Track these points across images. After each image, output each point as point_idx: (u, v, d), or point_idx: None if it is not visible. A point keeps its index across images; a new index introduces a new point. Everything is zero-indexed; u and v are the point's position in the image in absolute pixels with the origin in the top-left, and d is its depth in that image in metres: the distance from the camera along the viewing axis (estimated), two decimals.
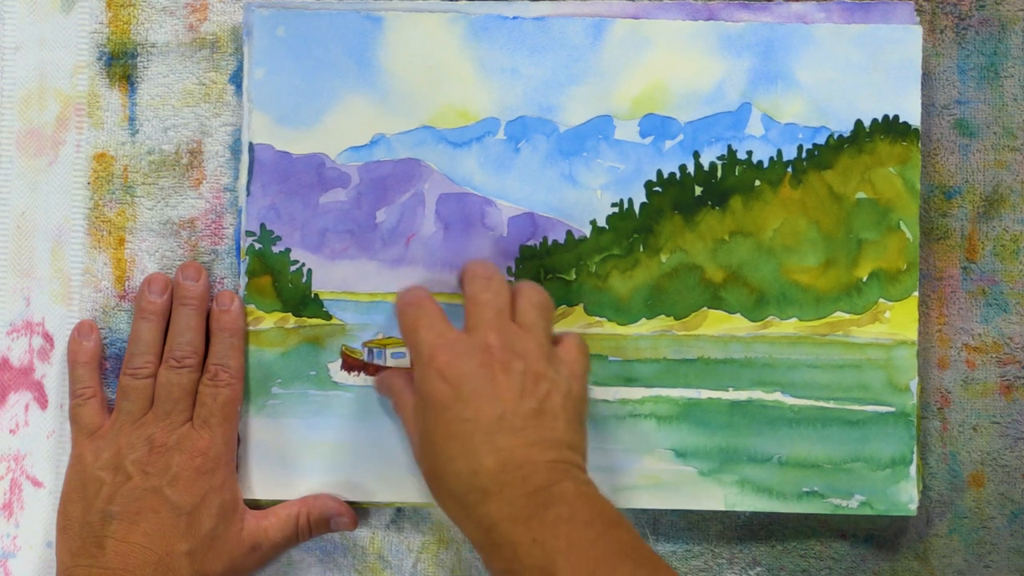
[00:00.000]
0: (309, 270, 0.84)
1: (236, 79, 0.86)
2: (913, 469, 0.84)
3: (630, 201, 0.84)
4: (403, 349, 0.84)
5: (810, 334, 0.84)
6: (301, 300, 0.84)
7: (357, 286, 0.84)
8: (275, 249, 0.84)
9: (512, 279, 0.85)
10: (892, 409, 0.84)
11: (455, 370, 0.75)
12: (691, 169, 0.84)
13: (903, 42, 0.84)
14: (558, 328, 0.84)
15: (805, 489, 0.84)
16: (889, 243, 0.84)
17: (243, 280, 0.84)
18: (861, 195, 0.84)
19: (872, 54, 0.84)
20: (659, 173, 0.84)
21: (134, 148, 0.86)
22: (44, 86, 0.86)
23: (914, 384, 0.84)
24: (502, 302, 0.78)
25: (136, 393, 0.83)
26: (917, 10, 0.85)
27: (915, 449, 0.84)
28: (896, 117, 0.84)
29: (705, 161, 0.84)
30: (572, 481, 0.73)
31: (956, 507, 0.86)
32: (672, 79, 0.84)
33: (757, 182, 0.84)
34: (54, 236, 0.86)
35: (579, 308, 0.85)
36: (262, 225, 0.84)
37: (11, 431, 0.86)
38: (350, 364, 0.84)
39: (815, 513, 0.85)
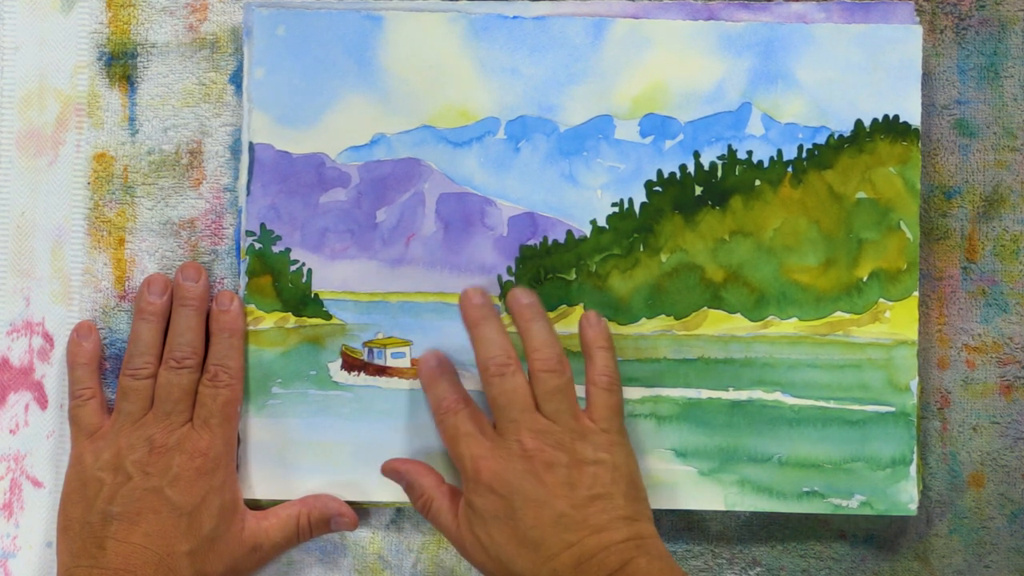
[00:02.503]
0: (309, 270, 0.84)
1: (236, 79, 0.86)
2: (913, 469, 0.84)
3: (630, 201, 0.84)
4: (403, 349, 0.84)
5: (810, 334, 0.84)
6: (301, 300, 0.84)
7: (357, 286, 0.84)
8: (275, 249, 0.84)
9: (513, 279, 0.84)
10: (892, 409, 0.84)
11: (503, 483, 0.77)
12: (691, 169, 0.84)
13: (903, 42, 0.84)
14: (558, 328, 0.84)
15: (805, 489, 0.84)
16: (889, 243, 0.84)
17: (243, 280, 0.84)
18: (861, 195, 0.84)
19: (872, 54, 0.84)
20: (659, 173, 0.84)
21: (134, 148, 0.86)
22: (44, 86, 0.86)
23: (914, 384, 0.84)
24: (523, 398, 0.80)
25: (136, 394, 0.82)
26: (917, 10, 0.85)
27: (915, 449, 0.84)
28: (896, 117, 0.84)
29: (705, 161, 0.84)
30: (644, 557, 0.75)
31: (956, 507, 0.86)
32: (672, 79, 0.84)
33: (757, 182, 0.84)
34: (54, 236, 0.86)
35: (579, 308, 0.85)
36: (262, 225, 0.84)
37: (11, 431, 0.86)
38: (350, 364, 0.84)
39: (815, 513, 0.85)
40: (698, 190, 0.84)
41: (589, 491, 0.77)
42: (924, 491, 0.86)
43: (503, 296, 0.84)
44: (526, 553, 0.76)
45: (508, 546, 0.77)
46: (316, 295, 0.84)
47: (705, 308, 0.85)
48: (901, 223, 0.84)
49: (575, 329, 0.84)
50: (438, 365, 0.83)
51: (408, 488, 0.83)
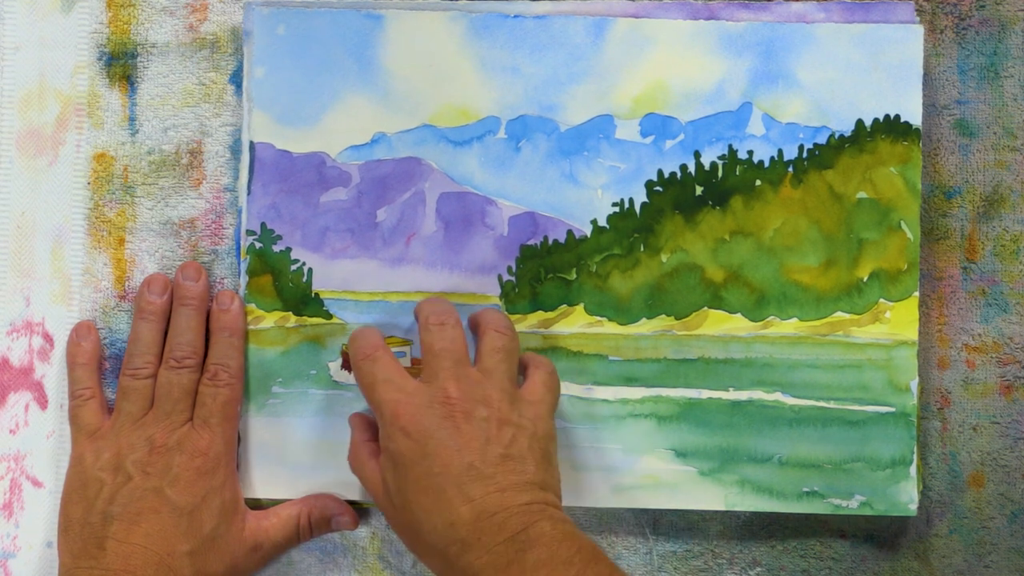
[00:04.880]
0: (309, 269, 0.84)
1: (236, 79, 0.86)
2: (913, 469, 0.84)
3: (631, 200, 0.84)
4: (403, 348, 0.84)
5: (810, 334, 0.84)
6: (301, 299, 0.84)
7: (357, 285, 0.84)
8: (275, 248, 0.84)
9: (513, 279, 0.85)
10: (892, 409, 0.84)
11: (418, 425, 0.76)
12: (692, 169, 0.84)
13: (904, 42, 0.84)
14: (558, 328, 0.84)
15: (805, 489, 0.84)
16: (890, 243, 0.84)
17: (243, 279, 0.84)
18: (862, 195, 0.84)
19: (873, 54, 0.84)
20: (660, 173, 0.84)
21: (134, 148, 0.86)
22: (44, 86, 0.86)
23: (914, 384, 0.84)
24: (458, 349, 0.79)
25: (136, 394, 0.82)
26: (917, 10, 0.85)
27: (915, 449, 0.84)
28: (897, 117, 0.84)
29: (706, 161, 0.84)
30: (548, 521, 0.74)
31: (956, 507, 0.86)
32: (673, 78, 0.84)
33: (758, 182, 0.84)
34: (54, 236, 0.86)
35: (579, 308, 0.85)
36: (263, 224, 0.84)
37: (11, 431, 0.86)
38: (350, 363, 0.84)
39: (815, 513, 0.85)
40: (699, 190, 0.84)
41: (504, 450, 0.76)
42: (924, 491, 0.86)
43: (503, 296, 0.84)
44: (426, 500, 0.75)
45: (411, 491, 0.75)
46: (316, 294, 0.84)
47: (705, 308, 0.85)
48: (902, 223, 0.84)
49: (575, 329, 0.84)
50: (365, 326, 0.83)
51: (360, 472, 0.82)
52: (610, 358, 0.85)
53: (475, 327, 0.82)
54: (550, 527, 0.73)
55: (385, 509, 0.78)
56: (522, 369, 0.82)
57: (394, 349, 0.83)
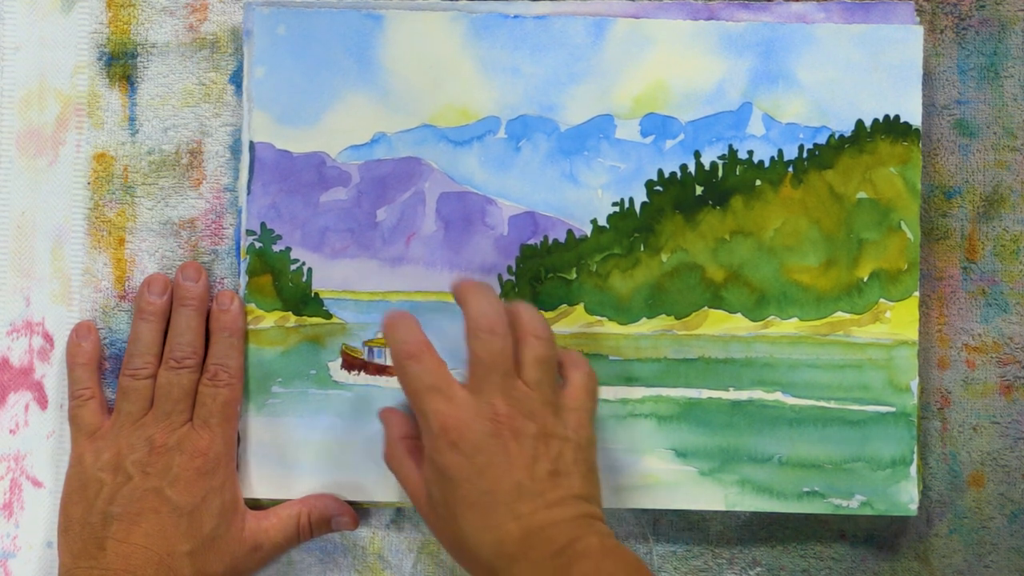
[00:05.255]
0: (309, 269, 0.84)
1: (236, 79, 0.86)
2: (913, 469, 0.84)
3: (631, 200, 0.84)
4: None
5: (811, 334, 0.84)
6: (301, 299, 0.84)
7: (357, 285, 0.84)
8: (275, 248, 0.84)
9: (513, 278, 0.85)
10: (892, 409, 0.84)
11: (468, 441, 0.75)
12: (692, 168, 0.84)
13: (904, 42, 0.84)
14: (558, 328, 0.84)
15: (805, 489, 0.84)
16: (890, 243, 0.84)
17: (243, 279, 0.84)
18: (862, 195, 0.84)
19: (873, 54, 0.84)
20: (660, 172, 0.84)
21: (134, 148, 0.86)
22: (44, 86, 0.86)
23: (915, 384, 0.84)
24: (506, 361, 0.77)
25: (136, 394, 0.82)
26: (917, 10, 0.85)
27: (915, 449, 0.84)
28: (897, 117, 0.84)
29: (706, 161, 0.84)
30: (595, 535, 0.74)
31: (956, 507, 0.86)
32: (673, 78, 0.84)
33: (758, 182, 0.84)
34: (54, 236, 0.86)
35: (579, 307, 0.85)
36: (263, 224, 0.84)
37: (11, 431, 0.86)
38: (350, 363, 0.84)
39: (815, 513, 0.85)
40: (699, 190, 0.84)
41: (551, 465, 0.75)
42: (924, 491, 0.86)
43: (502, 295, 0.84)
44: (474, 517, 0.74)
45: (459, 506, 0.75)
46: (316, 294, 0.84)
47: (706, 308, 0.85)
48: (902, 223, 0.84)
49: (576, 329, 0.84)
50: (400, 313, 0.79)
51: (399, 474, 0.81)
52: (610, 358, 0.85)
53: (512, 324, 0.79)
54: (597, 541, 0.73)
55: (427, 516, 0.78)
56: (560, 368, 0.81)
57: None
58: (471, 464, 0.75)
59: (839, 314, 0.84)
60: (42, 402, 0.86)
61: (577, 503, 0.75)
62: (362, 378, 0.84)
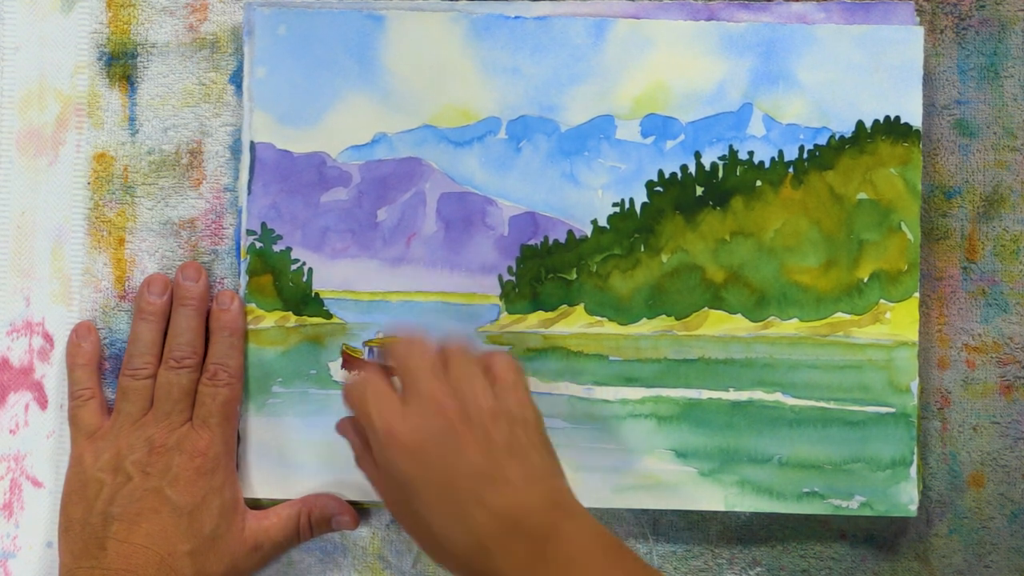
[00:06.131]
0: (310, 269, 0.84)
1: (236, 79, 0.86)
2: (913, 470, 0.84)
3: (631, 201, 0.84)
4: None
5: (811, 335, 0.84)
6: (302, 299, 0.84)
7: (358, 285, 0.84)
8: (276, 248, 0.84)
9: (513, 279, 0.85)
10: (892, 410, 0.84)
11: (416, 439, 0.73)
12: (692, 169, 0.84)
13: (905, 43, 0.84)
14: (558, 328, 0.84)
15: (805, 490, 0.84)
16: (890, 244, 0.84)
17: (243, 279, 0.84)
18: (862, 196, 0.84)
19: (874, 55, 0.84)
20: (660, 173, 0.84)
21: (134, 148, 0.86)
22: (44, 86, 0.86)
23: (915, 385, 0.84)
24: (432, 358, 0.75)
25: (136, 394, 0.82)
26: (917, 10, 0.85)
27: (915, 450, 0.84)
28: (897, 118, 0.84)
29: (706, 161, 0.84)
30: (570, 519, 0.72)
31: (956, 507, 0.86)
32: (673, 79, 0.84)
33: (758, 182, 0.84)
34: (54, 236, 0.86)
35: (580, 308, 0.85)
36: (263, 224, 0.84)
37: (11, 431, 0.86)
38: (351, 363, 0.84)
39: (815, 514, 0.85)
40: (699, 190, 0.84)
41: (505, 444, 0.73)
42: (924, 491, 0.86)
43: (503, 296, 0.85)
44: (443, 514, 0.72)
45: (424, 509, 0.73)
46: (317, 294, 0.84)
47: (706, 308, 0.85)
48: (902, 224, 0.84)
49: (576, 329, 0.84)
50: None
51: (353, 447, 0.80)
52: (610, 358, 0.85)
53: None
54: (574, 525, 0.72)
55: (401, 522, 0.77)
56: (484, 369, 0.78)
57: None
58: (425, 462, 0.73)
59: (839, 315, 0.84)
60: (42, 402, 0.86)
61: (541, 481, 0.73)
62: None
